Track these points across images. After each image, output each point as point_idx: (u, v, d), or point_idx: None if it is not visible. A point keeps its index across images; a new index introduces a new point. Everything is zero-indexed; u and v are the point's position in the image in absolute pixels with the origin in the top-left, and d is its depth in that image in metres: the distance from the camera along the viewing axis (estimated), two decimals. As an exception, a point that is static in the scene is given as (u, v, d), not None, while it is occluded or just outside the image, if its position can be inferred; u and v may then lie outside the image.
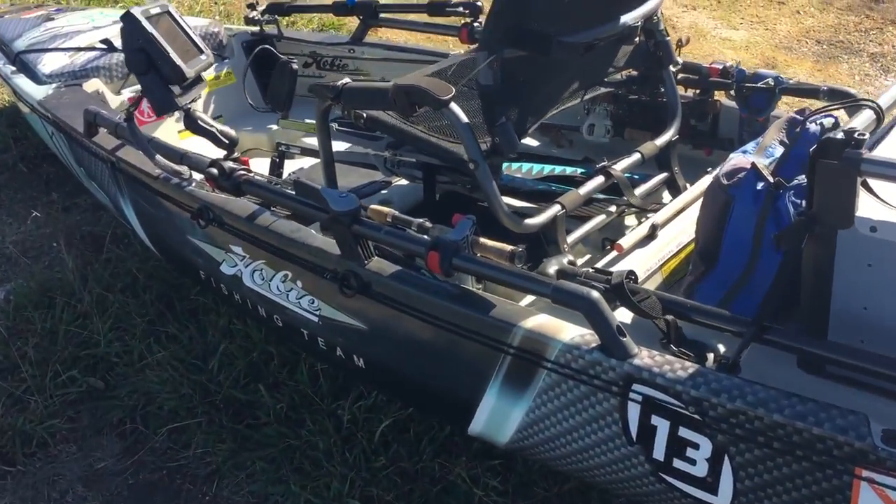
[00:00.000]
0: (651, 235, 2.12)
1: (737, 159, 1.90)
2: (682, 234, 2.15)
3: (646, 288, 1.75)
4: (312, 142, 3.04)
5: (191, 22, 2.91)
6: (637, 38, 2.15)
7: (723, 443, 1.54)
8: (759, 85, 2.48)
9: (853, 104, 1.99)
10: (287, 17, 3.73)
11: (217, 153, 2.35)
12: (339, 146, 2.49)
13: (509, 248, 1.78)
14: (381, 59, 3.39)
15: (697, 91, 2.65)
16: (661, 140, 2.38)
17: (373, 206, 2.06)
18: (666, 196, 2.50)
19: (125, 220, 2.84)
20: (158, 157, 2.34)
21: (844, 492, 1.44)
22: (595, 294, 1.64)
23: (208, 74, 2.71)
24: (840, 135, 1.51)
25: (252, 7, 3.50)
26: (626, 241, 2.08)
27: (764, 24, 5.19)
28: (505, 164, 2.52)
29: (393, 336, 2.03)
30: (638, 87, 2.61)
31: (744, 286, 1.83)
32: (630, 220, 2.40)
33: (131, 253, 3.09)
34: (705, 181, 2.27)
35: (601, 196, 2.32)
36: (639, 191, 2.34)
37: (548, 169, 2.62)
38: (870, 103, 1.84)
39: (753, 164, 1.80)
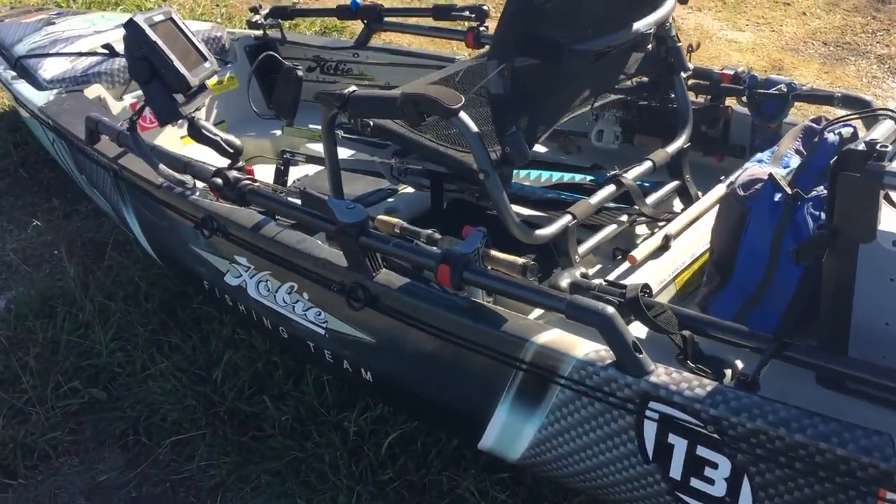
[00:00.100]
0: (664, 246, 2.08)
1: (753, 169, 1.86)
2: (695, 244, 2.11)
3: (661, 302, 1.72)
4: (316, 148, 3.01)
5: (193, 26, 2.87)
6: (650, 46, 2.11)
7: (742, 462, 1.50)
8: (771, 91, 2.44)
9: (871, 114, 1.95)
10: (289, 20, 3.69)
11: (220, 160, 2.31)
12: (343, 153, 2.45)
13: (521, 261, 1.75)
14: (385, 63, 3.35)
15: (708, 97, 2.61)
16: (673, 147, 2.34)
17: (380, 217, 2.03)
18: (677, 204, 2.46)
19: (127, 228, 2.81)
20: (162, 166, 2.30)
21: (868, 514, 1.40)
22: (610, 310, 1.60)
23: (210, 79, 2.67)
24: (861, 146, 1.48)
25: (255, 11, 3.46)
26: (639, 253, 2.04)
27: (770, 25, 5.16)
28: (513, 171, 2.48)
29: (402, 350, 1.99)
30: (648, 94, 2.57)
31: (760, 299, 1.80)
32: (641, 228, 2.37)
33: (133, 260, 3.05)
34: (718, 190, 2.24)
35: (612, 205, 2.28)
36: (650, 199, 2.30)
37: (556, 176, 2.58)
38: (890, 112, 1.80)
39: (771, 175, 1.76)
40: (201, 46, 2.25)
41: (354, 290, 1.95)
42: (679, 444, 1.56)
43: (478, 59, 2.72)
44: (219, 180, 2.17)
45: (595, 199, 2.16)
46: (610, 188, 2.21)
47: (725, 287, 1.88)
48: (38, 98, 2.99)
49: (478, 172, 1.95)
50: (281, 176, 2.77)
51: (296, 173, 2.90)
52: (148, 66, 2.10)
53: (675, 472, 1.59)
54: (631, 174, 2.24)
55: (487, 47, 3.06)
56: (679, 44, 2.35)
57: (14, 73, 3.22)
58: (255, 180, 2.22)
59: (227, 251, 2.28)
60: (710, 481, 1.55)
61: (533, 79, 1.95)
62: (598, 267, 2.29)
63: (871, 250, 1.53)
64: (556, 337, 1.70)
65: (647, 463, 1.62)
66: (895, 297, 1.54)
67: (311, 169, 2.91)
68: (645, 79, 2.51)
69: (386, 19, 3.31)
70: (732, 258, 1.84)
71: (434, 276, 1.79)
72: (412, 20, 3.40)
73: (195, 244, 2.38)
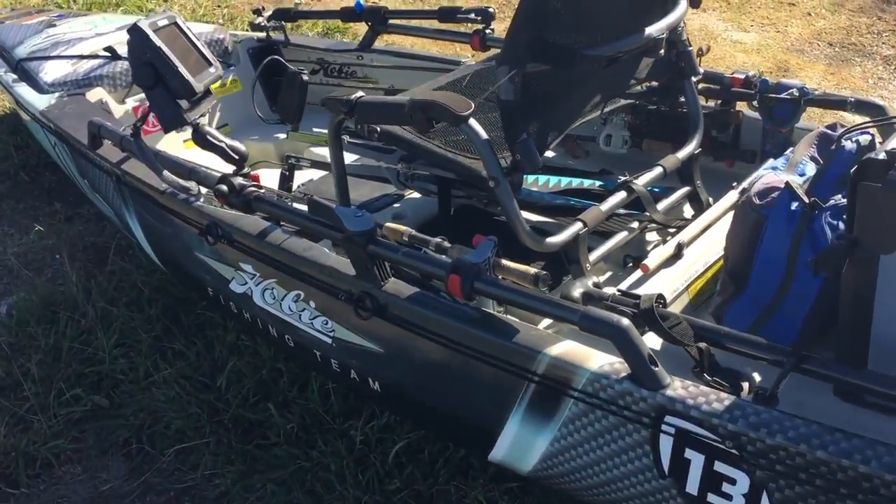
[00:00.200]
0: (677, 254, 2.05)
1: (768, 177, 1.83)
2: (708, 252, 2.08)
3: (676, 313, 1.68)
4: (320, 152, 2.98)
5: (195, 28, 2.85)
6: (662, 51, 2.08)
7: (762, 479, 1.47)
8: (783, 96, 2.41)
9: (888, 122, 1.92)
10: (292, 22, 3.66)
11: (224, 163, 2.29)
12: (348, 158, 2.42)
13: (532, 271, 1.72)
14: (390, 66, 3.31)
15: (718, 101, 2.58)
16: (683, 153, 2.31)
17: (388, 225, 2.00)
18: (687, 209, 2.43)
19: (130, 234, 2.78)
20: (166, 172, 2.27)
21: (891, 533, 1.37)
22: (625, 322, 1.57)
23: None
24: (882, 156, 1.45)
25: (258, 13, 3.43)
26: (651, 261, 2.01)
27: (775, 25, 5.12)
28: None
29: (410, 360, 1.96)
30: (658, 98, 2.54)
31: (776, 309, 1.77)
32: (651, 235, 2.34)
33: (136, 265, 3.03)
34: (731, 196, 2.21)
35: (622, 211, 2.25)
36: (661, 206, 2.27)
37: (565, 182, 2.55)
38: (908, 120, 1.78)
39: (787, 184, 1.73)
40: (205, 51, 2.22)
41: (362, 298, 1.92)
42: (696, 460, 1.54)
43: (485, 62, 2.69)
44: (224, 187, 2.14)
45: (606, 205, 2.13)
46: (620, 194, 2.18)
47: (740, 296, 1.85)
48: (40, 101, 2.96)
49: (487, 180, 1.91)
50: (286, 181, 2.74)
51: (299, 177, 2.87)
52: (152, 71, 2.06)
53: (692, 487, 1.56)
54: (641, 180, 2.21)
55: (494, 50, 3.03)
56: (690, 48, 2.32)
57: (15, 76, 3.19)
58: (260, 187, 2.19)
59: (233, 258, 2.25)
60: (728, 497, 1.52)
61: (544, 85, 1.92)
62: (609, 274, 2.26)
63: (891, 261, 1.50)
64: (568, 349, 1.67)
65: (663, 478, 1.59)
66: (916, 310, 1.52)
67: (315, 173, 2.88)
68: (655, 83, 2.48)
69: (390, 22, 3.28)
70: (748, 267, 1.81)
71: (444, 285, 1.76)
72: (417, 22, 3.37)
73: (200, 251, 2.35)
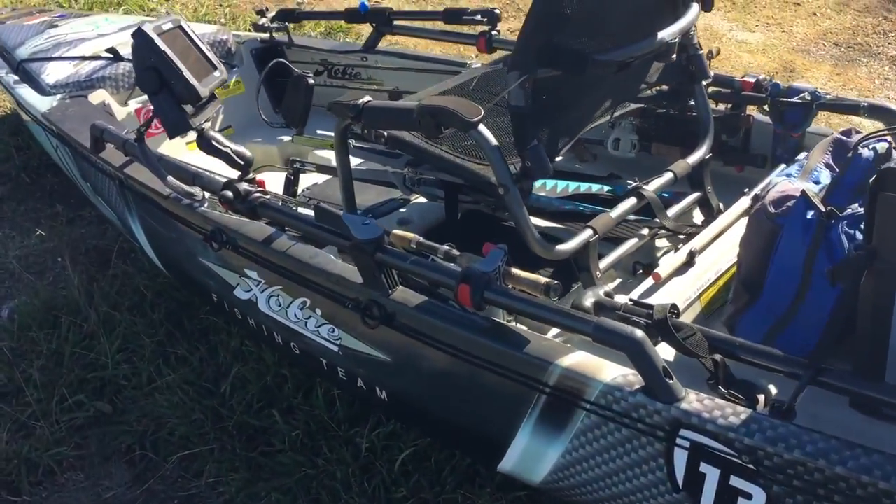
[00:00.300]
0: (689, 262, 2.02)
1: (783, 185, 1.81)
2: (721, 260, 2.05)
3: (690, 324, 1.66)
4: (325, 155, 2.95)
5: (198, 29, 2.82)
6: (674, 55, 2.05)
7: (779, 494, 1.45)
8: (794, 100, 2.38)
9: (904, 129, 1.89)
10: (296, 23, 3.63)
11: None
12: (353, 162, 2.39)
13: (543, 280, 1.69)
14: (394, 67, 3.28)
15: (729, 105, 2.55)
16: (694, 158, 2.28)
17: (395, 232, 1.98)
18: (697, 214, 2.40)
19: (133, 238, 2.75)
20: (170, 177, 2.24)
21: (912, 550, 1.35)
22: (639, 333, 1.54)
23: (217, 86, 2.62)
24: (902, 165, 1.42)
25: (261, 14, 3.41)
26: (663, 269, 1.98)
27: (780, 25, 5.09)
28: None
29: (419, 369, 1.94)
30: (668, 102, 2.51)
31: (791, 319, 1.74)
32: (660, 241, 2.31)
33: (138, 269, 3.00)
34: (743, 203, 2.18)
35: (632, 217, 2.22)
36: (671, 211, 2.24)
37: (573, 186, 2.52)
38: (926, 128, 1.75)
39: (804, 192, 1.70)
40: (210, 55, 2.19)
41: (370, 307, 1.89)
42: (711, 474, 1.51)
43: (492, 65, 2.66)
44: (229, 193, 2.11)
45: (616, 212, 2.10)
46: (631, 201, 2.15)
47: (754, 306, 1.82)
48: (42, 103, 2.94)
49: (497, 186, 1.89)
50: (291, 186, 2.71)
51: (304, 180, 2.85)
52: (156, 76, 2.03)
53: (707, 502, 1.53)
54: (652, 186, 2.18)
55: (500, 52, 3.00)
56: (701, 51, 2.29)
57: (17, 78, 3.16)
58: (265, 192, 2.16)
59: (237, 264, 2.23)
60: (744, 512, 1.50)
61: (554, 90, 1.89)
62: (618, 281, 2.23)
63: (911, 272, 1.47)
64: (580, 360, 1.65)
65: (677, 492, 1.57)
66: (936, 322, 1.49)
67: (320, 176, 2.85)
68: (665, 87, 2.45)
69: (395, 23, 3.25)
70: (762, 277, 1.78)
71: (454, 294, 1.73)
72: (422, 24, 3.34)
73: (204, 256, 2.33)
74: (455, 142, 2.13)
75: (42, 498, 2.29)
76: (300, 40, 3.56)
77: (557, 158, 2.83)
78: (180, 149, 2.96)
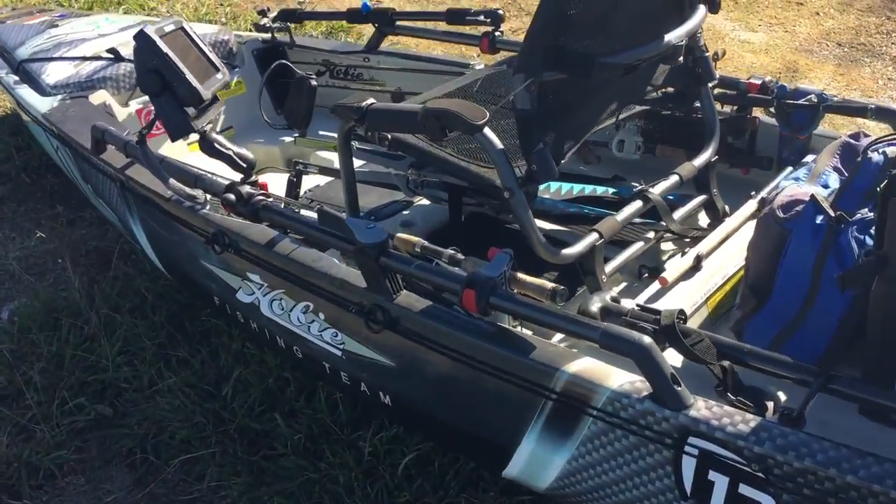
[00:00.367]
0: (696, 266, 2.01)
1: (791, 189, 1.79)
2: (727, 264, 2.04)
3: (698, 330, 1.64)
4: (326, 156, 2.94)
5: (199, 29, 2.80)
6: (680, 58, 2.03)
7: (789, 503, 1.43)
8: (801, 102, 2.36)
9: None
10: (297, 23, 3.61)
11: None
12: (356, 163, 2.38)
13: (550, 285, 1.68)
14: (397, 68, 3.26)
15: (734, 107, 2.53)
16: (700, 161, 2.26)
17: (399, 235, 1.96)
18: (702, 217, 2.39)
19: (134, 240, 2.74)
20: (172, 180, 2.23)
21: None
22: (647, 340, 1.53)
23: (219, 88, 2.60)
24: (913, 170, 1.41)
25: (263, 14, 3.39)
26: (670, 274, 1.97)
27: (783, 25, 5.08)
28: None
29: (423, 375, 1.92)
30: (674, 104, 2.49)
31: (799, 325, 1.73)
32: (666, 244, 2.29)
33: (139, 270, 2.98)
34: (749, 206, 2.16)
35: (637, 220, 2.20)
36: (677, 214, 2.23)
37: (577, 188, 2.50)
38: (937, 131, 1.73)
39: (813, 197, 1.69)
40: (212, 56, 2.18)
41: (373, 311, 1.87)
42: (720, 482, 1.49)
43: (495, 66, 2.64)
44: (232, 196, 2.10)
45: (621, 215, 2.09)
46: (636, 204, 2.13)
47: (762, 311, 1.81)
48: (42, 104, 2.92)
49: (502, 190, 1.87)
50: (293, 188, 2.69)
51: (306, 181, 2.83)
52: (159, 79, 2.02)
53: (716, 510, 1.52)
54: (657, 189, 2.17)
55: (503, 53, 2.99)
56: (707, 53, 2.28)
57: (17, 78, 3.14)
58: (268, 195, 2.15)
59: (240, 268, 2.21)
60: (753, 520, 1.48)
61: (560, 93, 1.87)
62: (623, 285, 2.22)
63: (922, 279, 1.46)
64: (587, 366, 1.63)
65: (685, 499, 1.55)
66: (947, 329, 1.47)
67: (322, 178, 2.83)
68: (670, 89, 2.43)
69: (397, 23, 3.23)
70: (770, 282, 1.76)
71: (459, 299, 1.72)
72: (424, 24, 3.32)
73: (206, 259, 2.31)
74: (459, 144, 2.11)
75: (43, 502, 2.27)
76: (302, 41, 3.54)
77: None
78: (181, 149, 2.95)
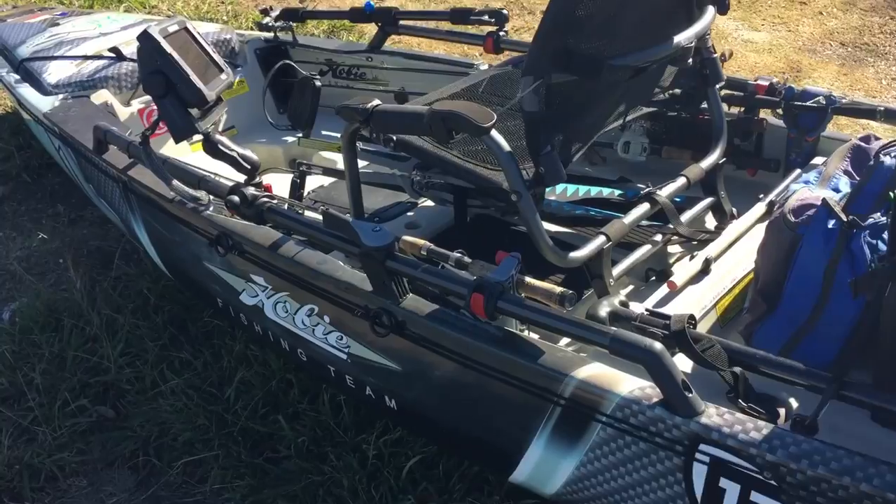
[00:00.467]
0: (705, 270, 1.99)
1: (802, 193, 1.77)
2: (736, 267, 2.02)
3: (708, 335, 1.62)
4: (330, 157, 2.92)
5: (201, 28, 2.78)
6: (689, 59, 2.02)
7: (801, 511, 1.42)
8: (809, 104, 2.35)
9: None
10: (300, 22, 3.59)
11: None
12: (360, 163, 2.36)
13: (558, 290, 1.66)
14: (400, 68, 3.24)
15: (742, 109, 2.52)
16: (707, 163, 2.24)
17: (405, 238, 1.94)
18: (709, 219, 2.37)
19: (137, 241, 2.72)
20: (175, 181, 2.21)
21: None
22: (658, 346, 1.51)
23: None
24: (927, 175, 1.39)
25: (265, 13, 3.37)
26: (678, 278, 1.95)
27: (786, 25, 5.06)
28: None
29: (429, 379, 1.91)
30: (681, 106, 2.48)
31: (810, 331, 1.71)
32: (673, 247, 2.27)
33: (141, 271, 2.96)
34: (758, 209, 2.15)
35: (645, 223, 2.19)
36: (684, 217, 2.21)
37: (583, 190, 2.49)
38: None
39: (825, 201, 1.67)
40: (216, 57, 2.16)
41: (379, 315, 1.86)
42: (731, 490, 1.48)
43: (499, 66, 2.63)
44: (236, 198, 2.08)
45: (629, 218, 2.07)
46: (644, 206, 2.11)
47: (771, 316, 1.79)
48: (44, 104, 2.90)
49: (509, 192, 1.85)
50: (297, 189, 2.67)
51: (309, 182, 2.81)
52: (163, 80, 2.00)
53: (727, 517, 1.50)
54: (665, 191, 2.15)
55: (507, 53, 2.97)
56: (715, 54, 2.26)
57: (18, 77, 3.12)
58: (273, 197, 2.13)
59: (243, 270, 2.19)
60: (765, 528, 1.47)
61: (568, 95, 1.85)
62: (630, 288, 2.20)
63: (936, 285, 1.44)
64: (596, 372, 1.62)
65: (695, 507, 1.54)
66: (961, 335, 1.46)
67: (326, 179, 2.82)
68: (677, 91, 2.41)
69: (401, 23, 3.21)
70: (780, 286, 1.75)
71: (466, 304, 1.70)
72: (428, 24, 3.30)
73: (209, 261, 2.30)
74: (465, 146, 2.10)
75: (45, 504, 2.26)
76: (305, 40, 3.53)
77: (567, 162, 2.83)
78: (184, 149, 2.93)
